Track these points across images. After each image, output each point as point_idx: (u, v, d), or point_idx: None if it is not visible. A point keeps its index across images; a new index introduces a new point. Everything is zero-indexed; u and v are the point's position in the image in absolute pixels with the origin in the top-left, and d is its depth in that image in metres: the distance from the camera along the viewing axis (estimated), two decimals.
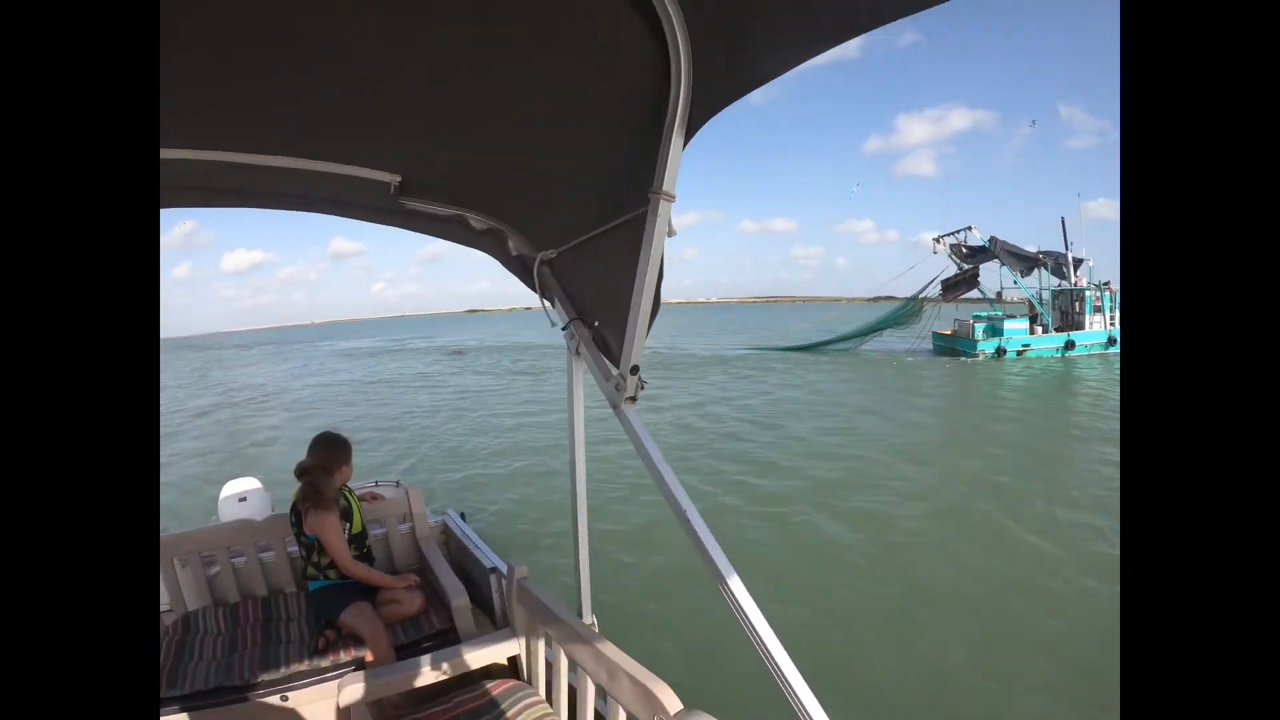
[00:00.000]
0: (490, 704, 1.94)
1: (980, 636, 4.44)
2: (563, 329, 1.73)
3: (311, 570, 2.51)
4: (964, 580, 5.30)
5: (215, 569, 2.78)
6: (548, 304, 1.79)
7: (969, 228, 24.66)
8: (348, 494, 2.66)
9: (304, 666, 2.26)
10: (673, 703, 1.39)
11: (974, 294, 24.95)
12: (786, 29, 0.93)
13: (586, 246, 1.58)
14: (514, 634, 2.14)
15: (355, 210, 1.83)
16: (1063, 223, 24.17)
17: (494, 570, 2.54)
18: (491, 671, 2.16)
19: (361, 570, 2.52)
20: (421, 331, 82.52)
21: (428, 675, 2.06)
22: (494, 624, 2.53)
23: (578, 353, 1.68)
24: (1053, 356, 22.04)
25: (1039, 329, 23.00)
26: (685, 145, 1.15)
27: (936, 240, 25.21)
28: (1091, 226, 25.10)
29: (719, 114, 1.13)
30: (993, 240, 23.67)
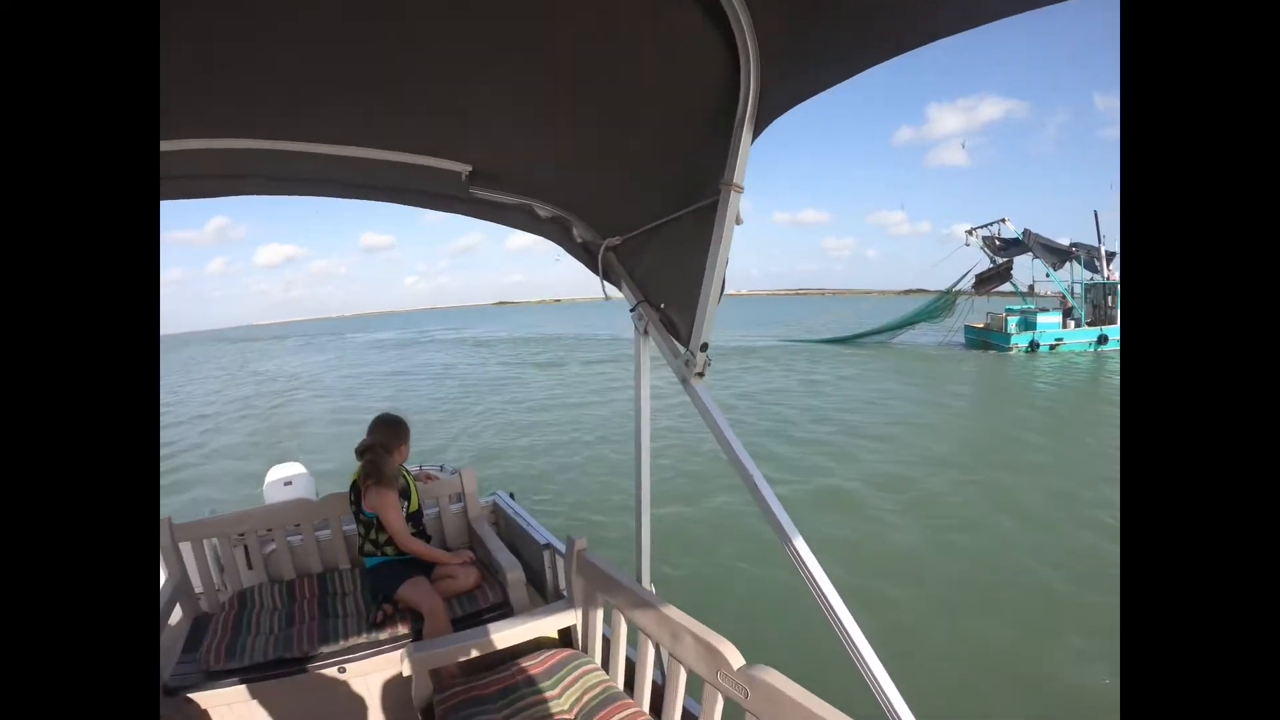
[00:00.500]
0: (547, 672, 2.00)
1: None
2: (630, 310, 1.80)
3: (369, 547, 2.60)
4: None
5: (271, 547, 2.89)
6: (612, 288, 1.86)
7: (1002, 220, 24.29)
8: (405, 473, 2.75)
9: (361, 639, 2.32)
10: (736, 659, 1.45)
11: (1005, 287, 24.59)
12: (850, 39, 0.97)
13: (654, 234, 1.65)
14: (570, 605, 2.21)
15: (425, 199, 1.90)
16: (1095, 216, 23.67)
17: (548, 546, 2.62)
18: (544, 643, 2.23)
19: (419, 546, 2.61)
20: (449, 324, 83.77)
21: (485, 645, 2.13)
22: (545, 599, 2.61)
23: (645, 333, 1.76)
24: (1086, 351, 21.62)
25: (1071, 323, 22.57)
26: (754, 140, 1.21)
27: (969, 233, 24.87)
28: None
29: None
30: (1026, 233, 23.28)
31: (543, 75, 1.17)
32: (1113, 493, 7.07)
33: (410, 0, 0.95)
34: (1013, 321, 23.10)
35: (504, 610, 2.49)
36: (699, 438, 9.37)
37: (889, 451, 9.72)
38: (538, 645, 2.22)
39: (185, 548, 2.67)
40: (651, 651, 1.80)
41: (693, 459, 8.95)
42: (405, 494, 2.68)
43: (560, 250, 2.00)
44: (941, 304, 26.10)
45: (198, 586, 2.72)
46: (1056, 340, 22.10)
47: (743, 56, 1.04)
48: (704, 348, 1.49)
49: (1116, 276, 22.65)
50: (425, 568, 2.62)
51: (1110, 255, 22.90)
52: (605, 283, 1.87)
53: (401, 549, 2.58)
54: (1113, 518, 6.44)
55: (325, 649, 2.28)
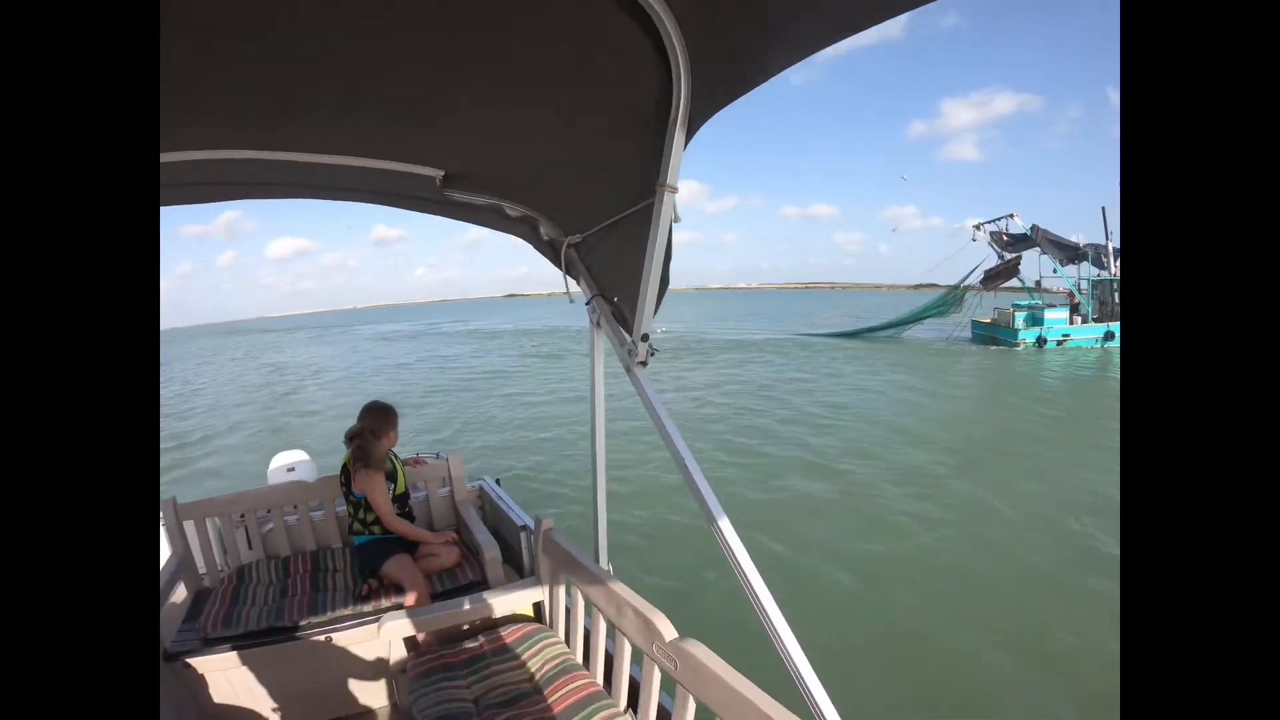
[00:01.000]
0: (514, 644, 2.15)
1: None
2: (586, 304, 1.93)
3: (358, 526, 2.76)
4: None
5: (269, 526, 3.06)
6: (573, 282, 1.99)
7: (1010, 215, 24.18)
8: (393, 458, 2.91)
9: (348, 611, 2.48)
10: (669, 631, 1.54)
11: (1013, 283, 24.48)
12: (773, 38, 1.05)
13: (607, 231, 1.77)
14: (539, 582, 2.35)
15: (404, 201, 2.04)
16: (1103, 212, 23.43)
17: (524, 528, 2.77)
18: (516, 617, 2.38)
19: (403, 526, 2.76)
20: (458, 316, 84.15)
21: (459, 618, 2.29)
22: (521, 577, 2.76)
23: (599, 324, 1.88)
24: (1093, 347, 21.52)
25: (1078, 319, 22.45)
26: (687, 143, 1.30)
27: (977, 227, 24.77)
28: None
29: (720, 110, 1.25)
30: (1034, 228, 23.15)
31: (509, 85, 1.25)
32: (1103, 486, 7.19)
33: (390, 18, 1.02)
34: (1020, 317, 22.96)
35: (482, 586, 2.64)
36: (695, 432, 9.47)
37: (895, 441, 9.84)
38: (511, 619, 2.37)
39: (189, 527, 2.84)
40: (604, 625, 1.92)
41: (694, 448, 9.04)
42: (392, 477, 2.83)
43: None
44: (950, 299, 26.02)
45: (201, 566, 2.89)
46: (1063, 336, 21.96)
47: (673, 64, 1.12)
48: (645, 338, 1.61)
49: None
50: (410, 546, 2.78)
51: (1117, 252, 22.73)
52: (567, 277, 1.99)
53: (388, 528, 2.73)
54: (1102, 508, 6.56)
55: (314, 619, 2.43)
